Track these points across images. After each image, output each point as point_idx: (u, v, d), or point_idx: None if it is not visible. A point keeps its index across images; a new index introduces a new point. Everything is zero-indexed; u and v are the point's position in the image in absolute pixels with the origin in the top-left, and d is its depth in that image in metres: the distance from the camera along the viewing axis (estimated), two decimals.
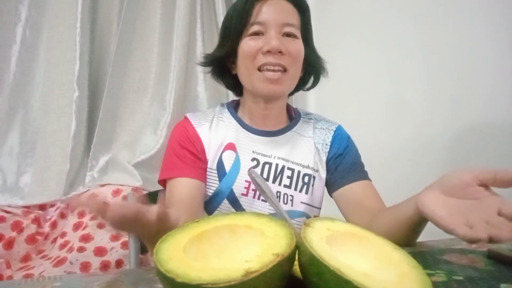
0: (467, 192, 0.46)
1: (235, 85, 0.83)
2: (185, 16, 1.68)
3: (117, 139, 1.60)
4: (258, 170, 0.77)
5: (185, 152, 0.76)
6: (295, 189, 0.78)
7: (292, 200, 0.77)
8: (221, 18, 1.76)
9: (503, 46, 0.91)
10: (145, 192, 1.42)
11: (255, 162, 0.77)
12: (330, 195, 0.82)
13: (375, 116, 1.35)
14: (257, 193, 0.76)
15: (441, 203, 0.46)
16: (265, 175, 0.77)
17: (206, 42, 1.78)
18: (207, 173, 0.77)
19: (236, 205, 0.76)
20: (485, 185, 0.45)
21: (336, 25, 1.56)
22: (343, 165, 0.79)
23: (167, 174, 0.76)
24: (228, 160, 0.77)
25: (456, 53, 1.03)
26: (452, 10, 1.04)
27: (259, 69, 0.72)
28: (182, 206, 0.70)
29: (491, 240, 0.37)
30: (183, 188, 0.73)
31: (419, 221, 0.53)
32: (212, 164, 0.77)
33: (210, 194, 0.76)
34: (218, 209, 0.76)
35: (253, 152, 0.78)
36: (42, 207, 1.41)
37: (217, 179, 0.76)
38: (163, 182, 0.78)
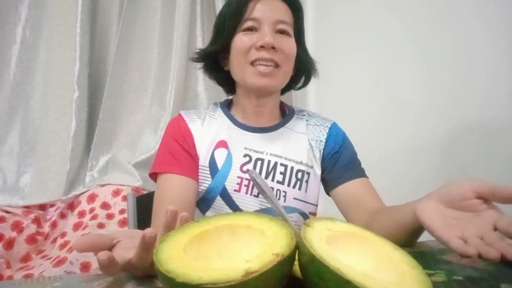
0: (466, 204, 0.45)
1: (227, 82, 0.83)
2: (185, 16, 1.69)
3: (117, 139, 1.60)
4: (250, 166, 0.77)
5: (178, 147, 0.76)
6: (288, 185, 0.78)
7: (285, 196, 0.77)
8: None
9: (501, 45, 0.91)
10: (145, 192, 1.42)
11: (247, 158, 0.77)
12: (328, 194, 0.82)
13: (374, 116, 1.35)
14: (249, 189, 0.76)
15: (439, 214, 0.46)
16: (257, 171, 0.77)
17: (206, 42, 1.77)
18: (200, 170, 0.77)
19: (229, 201, 0.76)
20: (484, 198, 0.45)
21: (336, 25, 1.56)
22: (340, 162, 0.79)
23: (159, 168, 0.76)
24: (220, 157, 0.77)
25: (455, 53, 1.03)
26: (450, 10, 1.04)
27: (252, 64, 0.72)
28: (171, 203, 0.70)
29: (480, 257, 0.38)
30: (175, 185, 0.73)
31: (418, 228, 0.53)
32: (204, 161, 0.77)
33: (203, 191, 0.77)
34: (211, 206, 0.76)
35: (245, 148, 0.78)
36: (42, 207, 1.41)
37: (209, 176, 0.77)
38: (154, 175, 0.78)
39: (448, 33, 1.05)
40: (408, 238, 0.57)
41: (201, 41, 1.77)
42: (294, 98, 1.73)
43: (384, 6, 1.31)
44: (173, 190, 0.73)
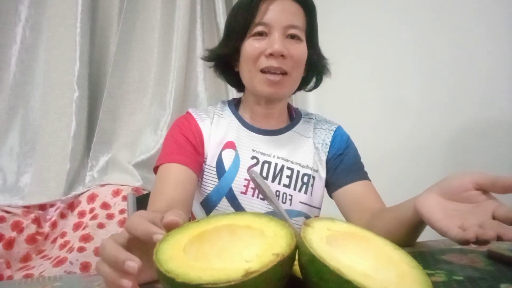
0: (466, 195, 0.46)
1: (237, 82, 0.82)
2: (185, 16, 1.69)
3: (117, 139, 1.60)
4: (257, 168, 0.77)
5: (184, 140, 0.75)
6: (294, 189, 0.78)
7: (291, 200, 0.77)
8: (221, 18, 1.76)
9: (500, 44, 0.91)
10: (145, 192, 1.42)
11: (254, 161, 0.77)
12: (330, 196, 0.82)
13: (374, 116, 1.35)
14: (256, 191, 0.76)
15: (439, 206, 0.46)
16: (264, 174, 0.77)
17: (206, 42, 1.78)
18: (206, 170, 0.77)
19: (235, 204, 0.75)
20: (484, 190, 0.45)
21: (335, 25, 1.56)
22: (343, 165, 0.79)
23: (164, 160, 0.74)
24: (228, 158, 0.77)
25: (455, 53, 1.03)
26: (450, 10, 1.04)
27: (261, 71, 0.72)
28: (169, 189, 0.69)
29: (477, 240, 0.38)
30: (177, 174, 0.71)
31: (419, 223, 0.53)
32: (211, 161, 0.77)
33: (209, 192, 0.76)
34: (217, 207, 0.76)
35: (253, 150, 0.78)
36: (42, 207, 1.41)
37: (216, 177, 0.76)
38: (157, 170, 0.76)
39: (448, 33, 1.05)
40: (409, 235, 0.57)
41: (201, 41, 1.77)
42: (295, 98, 1.73)
43: (384, 6, 1.31)
44: (174, 178, 0.71)
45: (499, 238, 0.38)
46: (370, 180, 0.79)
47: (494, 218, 0.41)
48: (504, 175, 0.43)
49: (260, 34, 0.72)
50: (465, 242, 0.39)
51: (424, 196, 0.49)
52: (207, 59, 0.82)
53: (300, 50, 0.73)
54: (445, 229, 0.41)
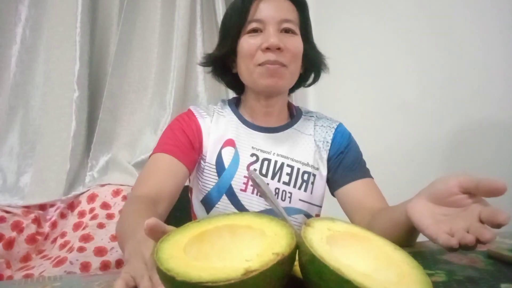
0: (453, 200, 0.45)
1: (236, 84, 0.83)
2: (185, 16, 1.69)
3: (117, 139, 1.60)
4: (257, 166, 0.77)
5: (182, 135, 0.76)
6: (294, 186, 0.78)
7: (290, 197, 0.77)
8: (221, 18, 1.76)
9: (498, 44, 0.91)
10: None
11: (254, 158, 0.77)
12: (332, 194, 0.82)
13: (375, 116, 1.35)
14: (256, 189, 0.76)
15: (428, 212, 0.46)
16: (264, 171, 0.77)
17: (206, 42, 1.78)
18: (206, 168, 0.77)
19: (235, 201, 0.76)
20: (470, 193, 0.45)
21: (336, 24, 1.56)
22: (345, 163, 0.79)
23: (158, 149, 0.74)
24: (227, 156, 0.77)
25: (457, 54, 1.03)
26: (450, 10, 1.04)
27: (259, 66, 0.72)
28: (160, 178, 0.69)
29: (460, 245, 0.38)
30: (167, 163, 0.71)
31: (412, 227, 0.53)
32: (211, 159, 0.77)
33: (209, 189, 0.76)
34: (217, 205, 0.76)
35: (253, 147, 0.78)
36: (42, 207, 1.41)
37: (216, 174, 0.76)
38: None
39: (447, 33, 1.05)
40: (405, 237, 0.57)
41: (201, 41, 1.77)
42: (294, 96, 1.73)
43: (383, 6, 1.31)
44: (166, 168, 0.71)
45: (478, 241, 0.38)
46: (372, 178, 0.79)
47: (480, 221, 0.41)
48: (488, 178, 0.42)
49: (255, 31, 0.73)
50: (451, 248, 0.39)
51: (414, 203, 0.49)
52: (204, 64, 0.83)
53: (296, 43, 0.74)
54: (434, 236, 0.41)
